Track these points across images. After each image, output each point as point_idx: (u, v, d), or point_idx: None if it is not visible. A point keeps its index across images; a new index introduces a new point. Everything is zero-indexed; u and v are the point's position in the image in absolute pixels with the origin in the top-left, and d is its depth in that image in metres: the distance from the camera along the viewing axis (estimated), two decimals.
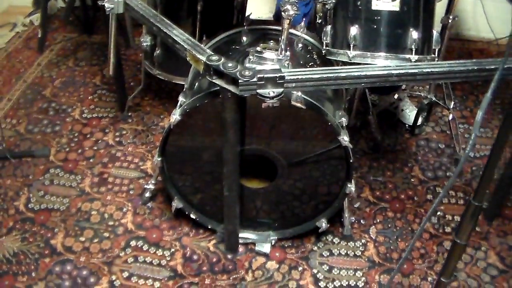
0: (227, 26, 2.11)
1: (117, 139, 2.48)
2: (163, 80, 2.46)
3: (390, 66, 1.61)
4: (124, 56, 3.04)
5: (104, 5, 1.90)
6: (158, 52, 2.34)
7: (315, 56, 1.95)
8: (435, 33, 1.82)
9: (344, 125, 1.82)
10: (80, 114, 2.63)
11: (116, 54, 2.21)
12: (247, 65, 1.71)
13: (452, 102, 2.62)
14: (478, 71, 1.55)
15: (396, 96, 2.59)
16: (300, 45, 1.97)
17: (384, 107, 2.62)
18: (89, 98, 2.75)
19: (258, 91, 1.48)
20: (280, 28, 1.70)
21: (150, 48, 2.37)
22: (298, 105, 1.64)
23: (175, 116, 1.73)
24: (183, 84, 2.07)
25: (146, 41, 2.37)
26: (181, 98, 1.88)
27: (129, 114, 2.61)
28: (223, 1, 2.26)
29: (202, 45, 1.62)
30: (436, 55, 1.83)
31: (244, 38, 1.97)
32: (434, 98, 2.52)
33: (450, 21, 2.36)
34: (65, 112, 2.65)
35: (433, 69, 1.59)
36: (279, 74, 1.47)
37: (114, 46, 2.13)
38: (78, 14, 3.32)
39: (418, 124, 2.52)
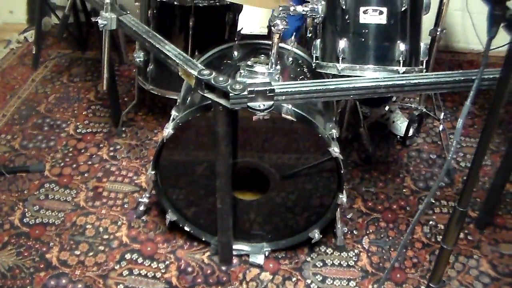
0: (219, 41, 2.14)
1: (112, 153, 2.50)
2: (157, 95, 2.49)
3: (378, 78, 1.65)
4: (117, 71, 3.06)
5: (97, 21, 1.93)
6: (151, 67, 2.37)
7: (305, 69, 1.99)
8: (423, 45, 1.85)
9: (334, 137, 1.85)
10: (74, 130, 2.65)
11: (109, 70, 2.23)
12: (238, 79, 1.74)
13: (442, 113, 2.65)
14: (464, 82, 1.59)
15: (387, 108, 2.62)
16: (290, 58, 2.00)
17: (375, 119, 2.65)
18: (83, 113, 2.77)
19: (248, 104, 1.51)
20: (270, 42, 1.73)
21: (143, 63, 2.40)
22: (289, 117, 1.67)
23: (168, 130, 1.75)
24: (176, 99, 2.10)
25: (139, 56, 2.40)
26: (173, 112, 1.91)
27: (123, 129, 2.63)
28: (215, 16, 2.28)
29: (193, 60, 1.65)
30: (424, 67, 1.86)
31: (236, 53, 2.00)
32: (424, 110, 2.55)
33: (438, 33, 2.40)
34: (59, 127, 2.67)
35: (420, 80, 1.63)
36: (269, 87, 1.50)
37: (107, 61, 2.16)
38: (72, 31, 3.35)
39: (409, 135, 2.55)
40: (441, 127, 2.62)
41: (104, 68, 2.17)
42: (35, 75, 3.14)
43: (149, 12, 2.30)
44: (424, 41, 1.86)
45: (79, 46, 3.37)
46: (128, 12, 1.97)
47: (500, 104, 1.22)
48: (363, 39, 1.76)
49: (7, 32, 3.58)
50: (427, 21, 1.94)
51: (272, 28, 1.69)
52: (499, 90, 1.20)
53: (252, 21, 2.90)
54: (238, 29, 2.31)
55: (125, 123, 2.65)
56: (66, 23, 3.19)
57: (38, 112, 2.79)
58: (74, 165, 2.43)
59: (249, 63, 1.78)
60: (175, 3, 2.23)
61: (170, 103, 2.28)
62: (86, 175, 2.38)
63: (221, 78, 1.53)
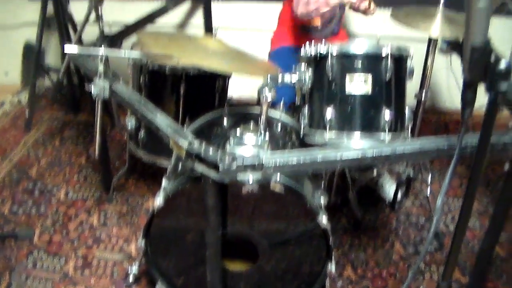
0: (209, 108, 2.18)
1: (102, 220, 2.50)
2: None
3: (364, 149, 1.68)
4: (109, 136, 3.10)
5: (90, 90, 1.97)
6: (142, 133, 2.40)
7: (293, 137, 2.02)
8: (407, 110, 1.90)
9: (323, 206, 1.87)
10: (65, 195, 2.65)
11: (102, 136, 2.26)
12: (228, 148, 1.76)
13: (430, 176, 2.68)
14: (449, 149, 1.63)
15: (375, 172, 2.65)
16: (279, 126, 2.04)
17: (364, 183, 2.67)
18: (74, 178, 2.78)
19: (238, 177, 1.53)
20: (259, 109, 1.77)
21: (134, 129, 2.43)
22: (277, 189, 1.69)
23: (159, 200, 1.77)
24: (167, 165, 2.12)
25: (131, 122, 2.43)
26: (164, 182, 1.92)
27: (114, 194, 2.64)
28: (205, 83, 2.33)
29: (184, 131, 1.68)
30: (409, 132, 1.91)
31: (225, 121, 2.04)
32: (411, 173, 2.58)
33: (423, 97, 2.46)
34: (50, 192, 2.67)
35: (405, 150, 1.67)
36: (257, 161, 1.53)
37: (100, 129, 2.17)
38: (64, 93, 3.40)
39: (397, 199, 2.56)
40: (428, 191, 2.64)
41: (96, 135, 2.19)
42: (27, 138, 3.17)
43: (141, 79, 2.34)
44: (410, 104, 1.90)
45: (71, 108, 3.42)
46: (121, 79, 2.01)
47: (480, 171, 1.25)
48: (349, 108, 1.80)
49: (1, 94, 3.64)
50: (412, 82, 1.98)
51: (261, 98, 1.73)
52: (478, 159, 1.23)
53: (241, 84, 2.95)
54: (228, 97, 2.36)
55: (116, 189, 2.66)
56: (60, 87, 3.24)
57: (29, 176, 2.80)
58: (64, 232, 2.42)
59: (238, 132, 1.80)
60: (167, 71, 2.27)
61: (161, 169, 2.30)
62: (75, 243, 2.37)
63: (210, 150, 1.55)
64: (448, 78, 3.32)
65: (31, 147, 3.07)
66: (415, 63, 1.96)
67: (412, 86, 1.99)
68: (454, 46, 2.51)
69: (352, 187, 2.46)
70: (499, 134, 1.76)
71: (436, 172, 2.88)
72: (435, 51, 2.43)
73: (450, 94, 3.44)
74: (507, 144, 1.72)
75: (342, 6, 2.63)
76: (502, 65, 1.05)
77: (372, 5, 2.56)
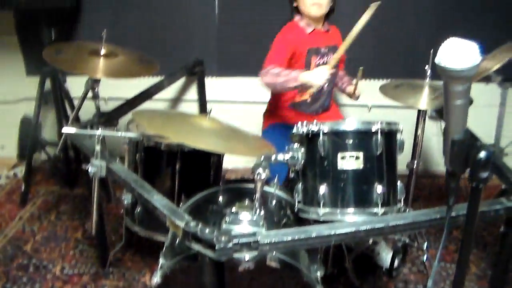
0: (204, 184, 2.22)
1: None
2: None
3: (357, 223, 1.72)
4: (105, 210, 3.08)
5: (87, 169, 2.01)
6: (138, 209, 2.42)
7: (288, 212, 2.05)
8: (399, 183, 1.95)
9: (319, 279, 1.88)
10: (61, 270, 2.64)
11: (98, 213, 2.28)
12: (224, 226, 1.78)
13: (426, 243, 2.70)
14: (440, 219, 1.66)
15: (371, 240, 2.66)
16: (274, 201, 2.07)
17: (360, 252, 2.68)
18: (70, 253, 2.77)
19: (234, 255, 1.55)
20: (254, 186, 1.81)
21: (131, 205, 2.45)
22: (273, 265, 1.71)
23: (156, 279, 1.77)
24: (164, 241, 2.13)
25: (127, 198, 2.45)
26: (161, 259, 1.92)
27: (111, 269, 2.62)
28: (200, 160, 2.37)
29: (180, 211, 1.71)
30: (402, 204, 1.95)
31: (221, 198, 2.07)
32: (407, 240, 2.59)
33: (415, 166, 2.51)
34: (45, 268, 2.66)
35: (398, 222, 1.71)
36: (253, 239, 1.56)
37: (97, 206, 2.20)
38: (60, 167, 3.43)
39: (394, 266, 2.57)
40: (425, 257, 2.66)
41: (93, 212, 2.21)
42: (22, 213, 3.17)
43: (137, 156, 2.39)
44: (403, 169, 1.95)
45: (68, 182, 3.44)
46: (118, 159, 2.06)
47: (470, 243, 1.29)
48: (342, 184, 1.85)
49: None
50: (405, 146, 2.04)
51: (255, 176, 1.77)
52: (467, 228, 1.27)
53: (236, 157, 3.01)
54: (224, 168, 2.40)
55: (112, 264, 2.65)
56: (56, 162, 3.28)
57: (24, 252, 2.79)
58: None
59: (233, 209, 1.83)
60: (162, 148, 2.32)
61: (158, 243, 2.31)
62: None
63: (207, 230, 1.58)
64: (440, 143, 3.38)
65: (26, 222, 3.07)
66: (407, 130, 2.02)
67: (405, 150, 2.05)
68: (442, 114, 2.58)
69: (349, 257, 2.47)
70: (490, 203, 1.82)
71: (432, 236, 2.89)
72: (424, 121, 2.51)
73: (442, 157, 3.48)
74: (498, 210, 1.78)
75: (331, 81, 2.72)
76: (482, 155, 1.10)
77: (358, 92, 2.67)
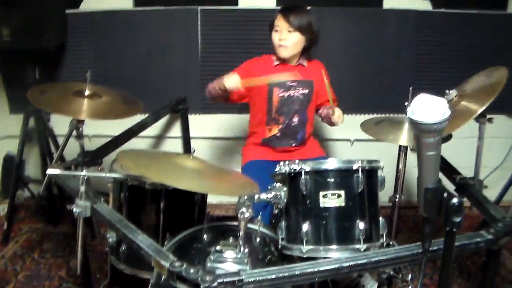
0: (189, 222, 2.24)
1: None
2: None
3: (340, 259, 1.74)
4: (90, 247, 3.09)
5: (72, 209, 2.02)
6: (123, 247, 2.42)
7: (273, 249, 2.06)
8: (381, 219, 1.99)
9: None
10: None
11: (83, 252, 2.27)
12: (208, 265, 1.81)
13: (410, 275, 2.72)
14: (422, 253, 1.70)
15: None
16: (258, 239, 2.09)
17: (345, 285, 2.69)
18: None
19: None
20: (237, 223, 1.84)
21: (115, 243, 2.45)
22: None
23: None
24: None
25: (111, 236, 2.45)
26: None
27: None
28: (184, 198, 2.38)
29: (165, 251, 1.73)
30: (384, 239, 1.98)
31: (205, 236, 2.08)
32: (392, 272, 2.61)
33: (397, 199, 2.55)
34: None
35: (380, 258, 1.74)
36: (237, 278, 1.57)
37: (82, 245, 2.20)
38: (44, 204, 3.42)
39: None
40: None
41: (78, 252, 2.21)
42: (5, 251, 3.14)
43: (121, 194, 2.40)
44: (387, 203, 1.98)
45: (51, 220, 3.43)
46: (103, 200, 2.07)
47: (448, 278, 1.33)
48: (324, 222, 1.88)
49: None
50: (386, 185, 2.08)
51: (239, 215, 1.80)
52: (444, 268, 1.31)
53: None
54: (208, 203, 2.42)
55: None
56: (40, 199, 3.28)
57: None
58: None
59: (218, 248, 1.86)
60: (146, 186, 2.34)
61: (143, 281, 2.31)
62: None
63: (192, 270, 1.59)
64: None
65: (9, 261, 3.04)
66: (389, 162, 2.06)
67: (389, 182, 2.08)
68: None
69: None
70: (471, 236, 1.87)
71: (417, 267, 2.91)
72: (406, 156, 2.56)
73: None
74: (478, 243, 1.82)
75: (300, 115, 2.79)
76: (454, 201, 1.16)
77: (337, 112, 2.68)
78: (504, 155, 3.78)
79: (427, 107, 1.17)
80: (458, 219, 1.18)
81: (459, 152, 2.93)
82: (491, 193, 3.17)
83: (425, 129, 1.18)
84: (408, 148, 2.69)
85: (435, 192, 1.22)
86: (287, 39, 2.65)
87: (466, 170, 2.45)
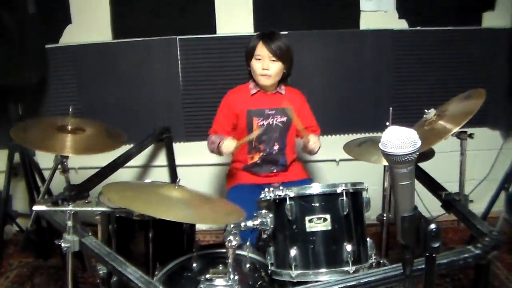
0: (178, 251, 2.24)
1: None
2: None
3: (330, 282, 1.76)
4: (81, 279, 3.08)
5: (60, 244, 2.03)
6: (114, 279, 2.42)
7: (263, 274, 2.08)
8: (369, 240, 2.01)
9: None
10: None
11: (74, 286, 2.27)
12: None
13: None
14: (404, 279, 1.72)
15: None
16: (248, 265, 2.10)
17: None
18: None
19: None
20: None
21: (106, 275, 2.45)
22: None
23: None
24: None
25: (102, 268, 2.45)
26: None
27: None
28: (172, 227, 2.39)
29: (154, 282, 1.74)
30: (373, 259, 2.00)
31: (195, 265, 2.10)
32: None
33: (385, 218, 2.58)
34: None
35: (370, 279, 1.77)
36: None
37: (71, 280, 2.20)
38: (33, 238, 3.41)
39: None
40: None
41: (68, 286, 2.21)
42: None
43: (109, 227, 2.40)
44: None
45: (41, 253, 3.41)
46: (90, 234, 2.08)
47: None
48: (311, 246, 1.90)
49: None
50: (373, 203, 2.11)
51: (226, 244, 1.82)
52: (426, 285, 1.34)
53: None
54: (197, 229, 2.43)
55: None
56: (29, 233, 3.27)
57: None
58: None
59: (207, 276, 1.87)
60: (134, 217, 2.34)
61: None
62: None
63: None
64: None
65: None
66: (376, 181, 2.08)
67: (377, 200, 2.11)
68: None
69: None
70: (459, 252, 1.90)
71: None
72: None
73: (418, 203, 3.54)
74: (467, 258, 1.85)
75: (276, 139, 2.84)
76: (432, 227, 1.20)
77: (312, 139, 2.69)
78: (490, 167, 3.82)
79: (398, 139, 1.21)
80: (436, 245, 1.21)
81: (444, 166, 2.97)
82: (479, 205, 3.22)
83: (397, 160, 1.21)
84: None
85: (412, 220, 1.26)
86: (270, 68, 2.67)
87: (452, 184, 2.50)
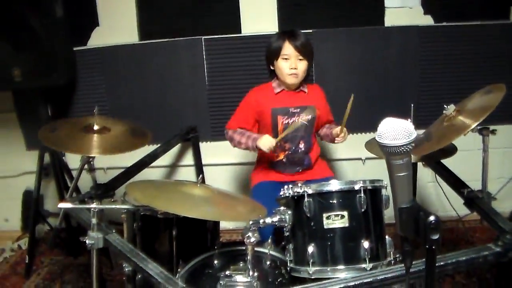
0: (202, 248, 2.27)
1: None
2: None
3: (346, 279, 1.77)
4: (109, 276, 3.15)
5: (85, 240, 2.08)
6: (139, 276, 2.46)
7: (283, 271, 2.09)
8: (388, 238, 2.00)
9: None
10: None
11: (99, 282, 2.32)
12: None
13: None
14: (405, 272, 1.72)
15: None
16: (268, 262, 2.12)
17: None
18: None
19: None
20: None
21: (131, 272, 2.49)
22: None
23: None
24: None
25: (127, 266, 2.49)
26: None
27: None
28: (196, 225, 2.42)
29: (174, 278, 1.78)
30: (392, 257, 1.99)
31: (216, 262, 2.13)
32: None
33: None
34: None
35: (386, 275, 1.76)
36: None
37: (96, 276, 2.26)
38: (63, 237, 3.49)
39: None
40: None
41: (93, 282, 2.27)
42: (27, 284, 3.21)
43: (134, 224, 2.45)
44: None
45: (71, 251, 3.49)
46: (114, 231, 2.13)
47: None
48: (329, 243, 1.91)
49: (1, 240, 3.74)
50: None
51: (245, 240, 1.84)
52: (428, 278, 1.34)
53: None
54: (221, 228, 2.45)
55: None
56: (59, 232, 3.35)
57: None
58: None
59: (228, 273, 1.90)
60: (159, 215, 2.38)
61: None
62: None
63: None
64: (436, 188, 3.45)
65: None
66: None
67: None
68: (428, 162, 2.66)
69: None
70: (479, 249, 1.88)
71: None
72: (415, 172, 2.56)
73: (441, 202, 3.51)
74: (487, 256, 1.83)
75: (301, 138, 2.85)
76: (431, 218, 1.20)
77: (343, 133, 2.71)
78: None
79: (393, 131, 1.22)
80: (436, 237, 1.21)
81: (470, 164, 2.93)
82: (507, 204, 3.17)
83: (393, 152, 1.22)
84: (420, 164, 2.70)
85: (410, 212, 1.26)
86: (298, 67, 2.70)
87: (474, 184, 2.46)
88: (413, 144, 1.22)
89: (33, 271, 3.33)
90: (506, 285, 2.02)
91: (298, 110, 2.79)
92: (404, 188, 1.26)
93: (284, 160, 2.87)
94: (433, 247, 1.23)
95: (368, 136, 3.56)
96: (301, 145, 2.85)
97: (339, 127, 2.67)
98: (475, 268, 3.03)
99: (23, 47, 3.01)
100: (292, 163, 2.88)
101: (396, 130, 1.22)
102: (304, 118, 2.78)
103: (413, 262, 1.75)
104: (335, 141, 2.72)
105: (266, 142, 2.62)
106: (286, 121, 2.78)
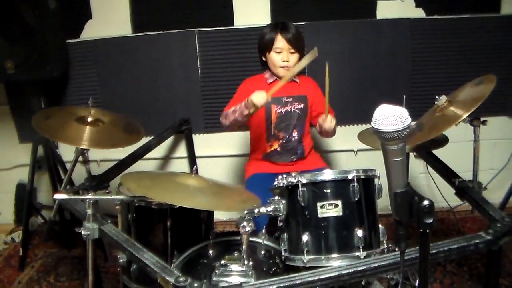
0: (196, 239, 2.29)
1: None
2: None
3: (340, 267, 1.79)
4: (103, 268, 3.16)
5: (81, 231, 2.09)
6: (134, 266, 2.48)
7: (277, 260, 2.11)
8: (381, 226, 2.02)
9: None
10: None
11: (94, 273, 2.33)
12: (214, 279, 1.86)
13: (417, 280, 2.74)
14: (399, 255, 1.74)
15: (363, 280, 2.71)
16: (262, 252, 2.15)
17: None
18: None
19: None
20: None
21: (126, 263, 2.51)
22: None
23: None
24: None
25: (122, 257, 2.51)
26: None
27: None
28: (190, 215, 2.44)
29: (170, 267, 1.79)
30: (385, 246, 2.02)
31: (211, 251, 2.14)
32: (400, 279, 2.64)
33: None
34: None
35: (380, 263, 1.79)
36: None
37: (92, 267, 2.27)
38: (57, 229, 3.49)
39: None
40: None
41: (89, 273, 2.27)
42: (21, 277, 3.21)
43: (129, 216, 2.46)
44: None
45: (65, 244, 3.50)
46: (109, 221, 2.14)
47: (427, 277, 1.40)
48: (323, 231, 1.92)
49: None
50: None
51: (240, 230, 1.86)
52: (421, 268, 1.38)
53: None
54: (215, 219, 2.46)
55: None
56: (53, 224, 3.35)
57: None
58: None
59: (223, 262, 1.91)
60: (153, 206, 2.40)
61: None
62: None
63: (195, 284, 1.66)
64: (428, 180, 3.48)
65: (26, 286, 3.10)
66: None
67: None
68: (420, 153, 2.69)
69: None
70: (470, 238, 1.91)
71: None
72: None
73: (432, 193, 3.54)
74: (477, 244, 1.86)
75: (299, 131, 2.86)
76: (425, 203, 1.23)
77: (330, 121, 2.70)
78: (509, 156, 3.79)
79: (388, 117, 1.24)
80: (430, 221, 1.24)
81: (462, 155, 2.96)
82: (498, 195, 3.20)
83: (388, 137, 1.25)
84: (412, 155, 2.72)
85: (405, 196, 1.29)
86: (290, 60, 2.75)
87: (465, 174, 2.50)
88: (408, 130, 1.24)
89: (27, 264, 3.34)
90: (496, 272, 2.06)
91: (291, 99, 2.85)
92: (399, 173, 1.29)
93: (278, 149, 2.91)
94: (427, 231, 1.26)
95: (360, 127, 3.59)
96: (295, 133, 2.90)
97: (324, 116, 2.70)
98: (466, 257, 3.07)
99: (16, 39, 3.00)
100: (286, 152, 2.92)
101: (392, 116, 1.25)
102: (296, 107, 2.84)
103: (406, 251, 1.80)
104: (325, 126, 2.72)
105: (259, 95, 2.54)
106: (280, 110, 2.82)
